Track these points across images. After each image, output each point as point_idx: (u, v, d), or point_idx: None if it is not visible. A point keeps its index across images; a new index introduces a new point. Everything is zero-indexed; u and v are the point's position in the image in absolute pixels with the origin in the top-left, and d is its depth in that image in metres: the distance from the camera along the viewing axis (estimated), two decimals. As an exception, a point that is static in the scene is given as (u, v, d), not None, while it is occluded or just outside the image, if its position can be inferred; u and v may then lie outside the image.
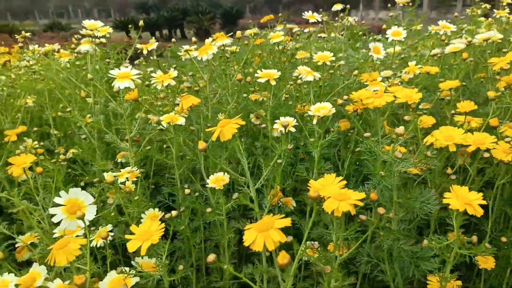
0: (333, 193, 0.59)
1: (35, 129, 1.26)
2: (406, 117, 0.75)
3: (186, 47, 1.35)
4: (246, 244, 0.51)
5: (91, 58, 1.21)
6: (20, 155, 0.84)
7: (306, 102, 1.04)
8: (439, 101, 1.12)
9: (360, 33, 1.47)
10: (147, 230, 0.62)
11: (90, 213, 0.71)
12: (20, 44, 1.11)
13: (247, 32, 1.54)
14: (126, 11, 25.03)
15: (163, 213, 0.82)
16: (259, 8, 26.90)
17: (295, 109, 1.08)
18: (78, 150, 1.16)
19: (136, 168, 0.87)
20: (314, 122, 0.82)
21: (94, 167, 1.16)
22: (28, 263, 1.05)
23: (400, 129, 0.69)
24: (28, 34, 1.19)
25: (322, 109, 0.80)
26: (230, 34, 1.25)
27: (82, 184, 1.18)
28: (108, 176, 0.75)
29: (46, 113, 1.36)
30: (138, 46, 1.15)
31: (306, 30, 1.79)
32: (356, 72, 1.04)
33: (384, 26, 1.78)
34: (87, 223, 0.69)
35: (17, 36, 1.20)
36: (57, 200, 0.70)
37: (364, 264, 0.83)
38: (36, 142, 1.20)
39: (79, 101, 1.22)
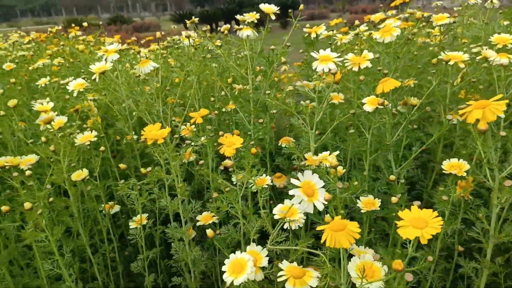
0: None
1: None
2: None
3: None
4: None
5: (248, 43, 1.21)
6: (227, 136, 0.84)
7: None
8: None
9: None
10: (418, 217, 0.58)
11: (321, 196, 0.70)
12: (210, 34, 1.13)
13: (373, 17, 1.47)
14: (182, 4, 25.69)
15: (378, 199, 0.79)
16: (313, -1, 26.45)
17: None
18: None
19: (337, 153, 0.85)
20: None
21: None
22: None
23: None
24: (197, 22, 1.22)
25: None
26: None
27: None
28: (333, 159, 0.73)
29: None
30: (305, 29, 1.12)
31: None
32: None
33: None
34: (321, 207, 0.67)
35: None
36: (293, 181, 0.69)
37: None
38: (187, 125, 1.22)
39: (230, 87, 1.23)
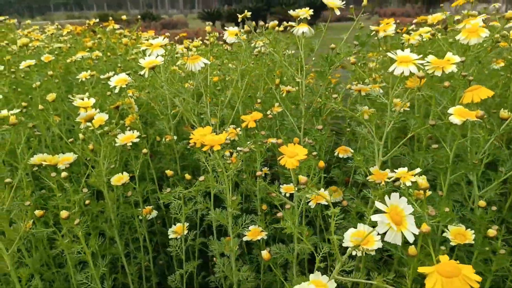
0: None
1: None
2: None
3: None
4: None
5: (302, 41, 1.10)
6: (288, 146, 0.74)
7: None
8: None
9: None
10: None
11: (411, 225, 0.58)
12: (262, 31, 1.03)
13: (431, 17, 1.35)
14: (209, 2, 25.82)
15: (471, 230, 0.66)
16: None
17: None
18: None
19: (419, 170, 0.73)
20: None
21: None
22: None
23: None
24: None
25: None
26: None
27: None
28: (423, 180, 0.62)
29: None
30: (372, 27, 1.01)
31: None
32: None
33: None
34: (412, 239, 0.56)
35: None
36: (378, 205, 0.58)
37: None
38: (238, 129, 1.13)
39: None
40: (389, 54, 0.76)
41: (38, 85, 1.21)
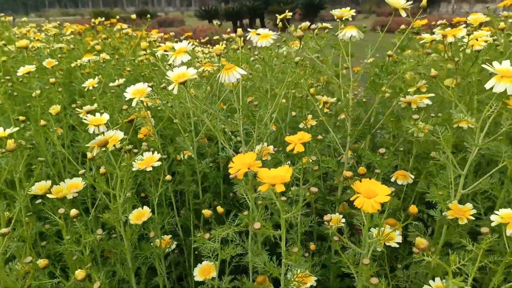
0: None
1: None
2: None
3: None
4: None
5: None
6: (363, 181, 0.59)
7: None
8: None
9: None
10: None
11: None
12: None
13: (471, 18, 1.20)
14: (206, 0, 25.53)
15: None
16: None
17: None
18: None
19: None
20: None
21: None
22: None
23: None
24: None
25: None
26: None
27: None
28: None
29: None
30: (438, 31, 0.85)
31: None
32: None
33: None
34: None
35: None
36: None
37: None
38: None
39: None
40: (485, 66, 0.61)
41: (38, 94, 1.04)
